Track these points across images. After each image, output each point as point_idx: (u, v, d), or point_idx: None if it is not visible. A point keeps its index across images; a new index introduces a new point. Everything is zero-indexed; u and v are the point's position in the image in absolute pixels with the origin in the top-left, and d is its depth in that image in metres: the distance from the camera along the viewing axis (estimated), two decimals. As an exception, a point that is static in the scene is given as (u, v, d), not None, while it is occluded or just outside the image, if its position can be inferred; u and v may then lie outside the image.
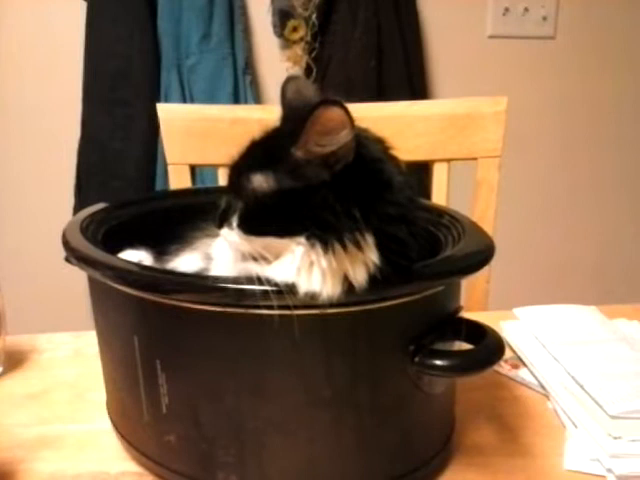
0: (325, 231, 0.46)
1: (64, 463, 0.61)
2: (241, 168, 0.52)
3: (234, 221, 0.51)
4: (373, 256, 0.47)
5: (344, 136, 0.46)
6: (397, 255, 0.48)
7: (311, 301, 0.46)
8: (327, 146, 0.46)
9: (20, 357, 0.82)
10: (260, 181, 0.48)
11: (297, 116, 0.51)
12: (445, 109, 1.13)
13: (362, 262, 0.46)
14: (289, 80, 0.57)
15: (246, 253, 0.50)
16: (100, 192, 1.68)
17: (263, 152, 0.51)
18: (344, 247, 0.46)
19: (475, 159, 1.12)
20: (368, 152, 0.50)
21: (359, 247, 0.46)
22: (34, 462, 0.62)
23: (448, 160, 1.11)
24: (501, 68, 2.04)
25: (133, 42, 1.74)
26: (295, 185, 0.47)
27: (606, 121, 2.18)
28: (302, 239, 0.47)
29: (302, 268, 0.47)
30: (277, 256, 0.48)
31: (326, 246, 0.46)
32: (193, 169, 1.13)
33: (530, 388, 0.76)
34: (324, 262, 0.46)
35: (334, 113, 0.45)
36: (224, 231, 0.52)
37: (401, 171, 0.52)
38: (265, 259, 0.48)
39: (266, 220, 0.49)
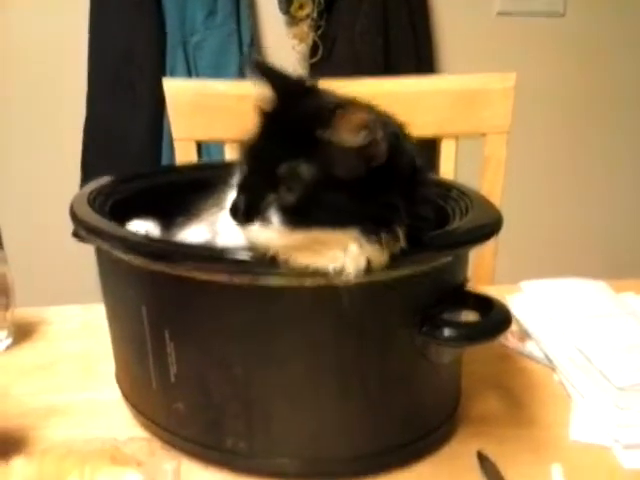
0: (378, 225, 0.46)
1: (74, 430, 0.62)
2: (273, 157, 0.48)
3: (273, 216, 0.47)
4: (404, 242, 0.48)
5: (367, 135, 0.46)
6: (418, 232, 0.49)
7: (334, 277, 0.47)
8: (354, 142, 0.46)
9: (29, 329, 0.83)
10: (305, 172, 0.46)
11: (310, 97, 0.51)
12: (453, 85, 1.12)
13: (397, 248, 0.48)
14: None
15: (275, 249, 0.48)
16: (106, 169, 1.67)
17: (292, 139, 0.48)
18: (395, 239, 0.47)
19: (483, 135, 1.11)
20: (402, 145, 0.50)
21: (399, 237, 0.47)
22: (45, 429, 0.62)
23: (456, 136, 1.10)
24: (510, 45, 2.02)
25: (138, 21, 1.73)
26: (336, 175, 0.47)
27: (615, 97, 2.16)
28: (355, 232, 0.46)
29: (350, 259, 0.47)
30: (321, 248, 0.47)
31: (379, 239, 0.46)
32: (199, 145, 1.13)
33: (536, 361, 0.76)
34: (371, 252, 0.47)
35: (360, 116, 0.45)
36: (254, 228, 0.48)
37: (419, 151, 0.52)
38: (305, 252, 0.47)
39: (313, 213, 0.46)
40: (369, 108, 0.46)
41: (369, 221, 0.46)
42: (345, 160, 0.47)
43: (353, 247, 0.46)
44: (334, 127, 0.46)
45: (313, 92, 0.53)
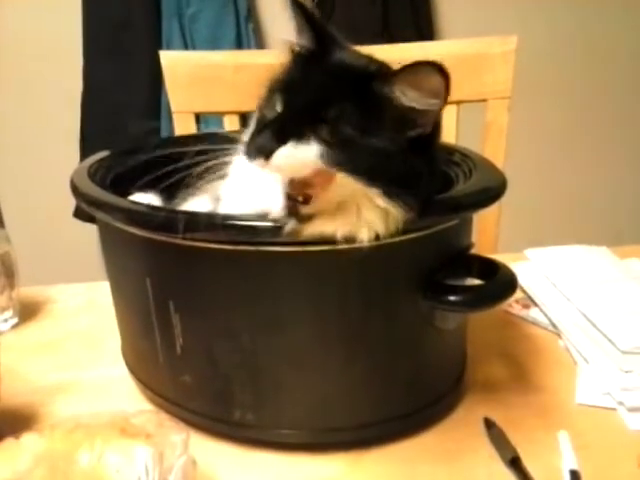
0: (400, 189, 0.46)
1: (82, 406, 0.63)
2: (318, 99, 0.46)
3: (312, 141, 0.45)
4: (416, 212, 0.47)
5: (432, 104, 0.45)
6: (426, 196, 0.49)
7: (345, 243, 0.46)
8: (413, 101, 0.45)
9: (34, 308, 0.83)
10: (355, 119, 0.45)
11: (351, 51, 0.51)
12: (453, 50, 1.11)
13: (409, 217, 0.47)
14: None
15: (305, 177, 0.46)
16: (105, 144, 1.66)
17: (344, 86, 0.47)
18: (410, 207, 0.46)
19: (484, 101, 1.09)
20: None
21: (414, 206, 0.47)
22: (54, 405, 0.63)
23: (457, 102, 1.08)
24: (510, 6, 1.98)
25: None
26: (381, 131, 0.46)
27: (619, 59, 2.13)
28: (379, 192, 0.46)
29: (363, 221, 0.46)
30: (339, 211, 0.46)
31: (398, 204, 0.46)
32: (198, 117, 1.12)
33: (541, 327, 0.76)
34: (386, 216, 0.46)
35: (438, 80, 0.44)
36: (287, 147, 0.45)
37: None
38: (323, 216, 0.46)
39: (346, 158, 0.45)
40: (447, 75, 0.44)
41: (394, 184, 0.46)
42: (396, 119, 0.46)
43: (369, 208, 0.46)
44: (401, 82, 0.45)
45: (348, 47, 0.52)
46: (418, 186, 0.47)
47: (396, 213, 0.46)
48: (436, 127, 0.49)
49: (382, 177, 0.46)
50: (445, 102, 0.46)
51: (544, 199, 2.18)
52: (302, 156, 0.45)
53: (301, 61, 0.51)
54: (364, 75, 0.47)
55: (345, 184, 0.45)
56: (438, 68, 0.43)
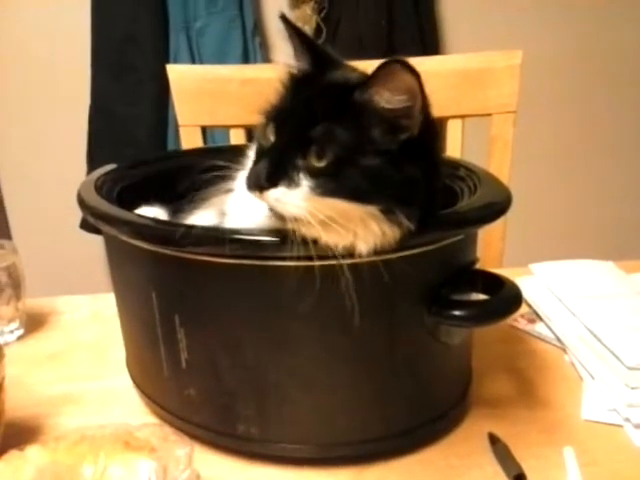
0: (398, 203, 0.46)
1: (88, 417, 0.63)
2: (305, 120, 0.47)
3: (302, 179, 0.46)
4: (415, 224, 0.47)
5: (409, 101, 0.46)
6: (429, 213, 0.49)
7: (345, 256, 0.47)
8: (390, 102, 0.46)
9: (40, 319, 0.84)
10: (341, 134, 0.45)
11: (342, 69, 0.51)
12: (458, 64, 1.11)
13: (408, 229, 0.47)
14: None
15: (299, 216, 0.46)
16: (112, 158, 1.67)
17: (327, 103, 0.47)
18: (409, 219, 0.47)
19: (489, 115, 1.10)
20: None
21: (413, 218, 0.47)
22: (59, 417, 0.63)
23: (462, 116, 1.09)
24: (515, 23, 1.99)
25: (140, 7, 1.71)
26: (369, 142, 0.46)
27: (624, 74, 2.13)
28: (376, 210, 0.46)
29: (363, 236, 0.46)
30: (337, 224, 0.46)
31: (396, 218, 0.46)
32: (204, 130, 1.13)
33: (547, 342, 0.76)
34: (385, 232, 0.46)
35: (408, 77, 0.44)
36: (278, 191, 0.46)
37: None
38: (324, 223, 0.45)
39: (340, 181, 0.45)
40: (415, 72, 0.44)
41: (391, 198, 0.46)
42: (379, 125, 0.46)
43: (368, 225, 0.46)
44: (374, 86, 0.45)
45: (344, 65, 0.53)
46: (415, 194, 0.47)
47: (395, 227, 0.46)
48: (427, 131, 0.49)
49: (377, 195, 0.46)
50: (423, 99, 0.46)
51: (549, 213, 2.18)
52: (292, 200, 0.46)
53: (294, 85, 0.51)
54: (346, 88, 0.47)
55: (340, 208, 0.46)
56: (403, 64, 0.44)
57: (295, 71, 0.52)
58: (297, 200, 0.46)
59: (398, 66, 0.44)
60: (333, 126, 0.46)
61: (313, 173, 0.46)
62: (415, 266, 0.49)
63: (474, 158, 0.73)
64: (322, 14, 1.80)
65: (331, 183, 0.45)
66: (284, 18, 0.50)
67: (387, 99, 0.46)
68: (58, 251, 2.00)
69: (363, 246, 0.46)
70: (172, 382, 0.58)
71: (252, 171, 0.48)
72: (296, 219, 0.46)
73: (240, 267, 0.49)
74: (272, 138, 0.49)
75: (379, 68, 0.45)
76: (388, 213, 0.46)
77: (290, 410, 0.54)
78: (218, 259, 0.49)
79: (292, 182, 0.46)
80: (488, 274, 0.57)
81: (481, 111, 1.10)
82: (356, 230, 0.46)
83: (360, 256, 0.46)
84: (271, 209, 0.48)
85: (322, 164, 0.46)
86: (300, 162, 0.46)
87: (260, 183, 0.46)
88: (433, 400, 0.59)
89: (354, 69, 0.53)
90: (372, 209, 0.46)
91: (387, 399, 0.55)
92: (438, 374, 0.58)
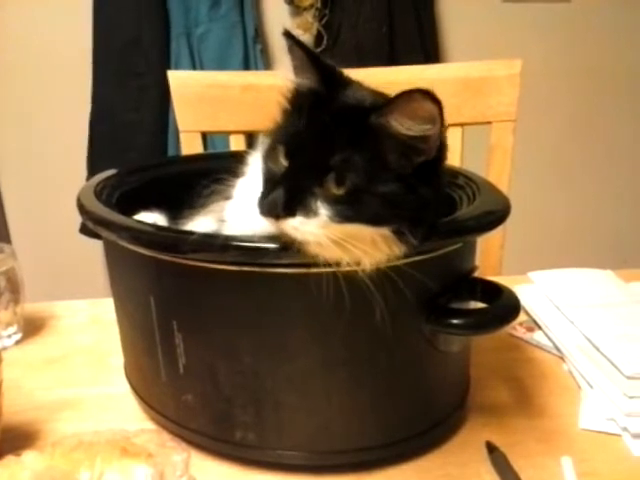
0: (412, 225, 0.46)
1: (85, 423, 0.63)
2: (321, 148, 0.46)
3: (320, 208, 0.45)
4: (420, 240, 0.48)
5: (429, 130, 0.46)
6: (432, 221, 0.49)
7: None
8: (409, 129, 0.45)
9: (38, 324, 0.83)
10: (359, 162, 0.45)
11: (352, 88, 0.50)
12: (459, 73, 1.12)
13: (413, 243, 0.47)
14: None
15: (316, 242, 0.46)
16: (112, 163, 1.67)
17: (343, 128, 0.46)
18: (415, 237, 0.47)
19: (489, 123, 1.10)
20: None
21: (419, 235, 0.47)
22: (56, 422, 0.63)
23: (462, 124, 1.09)
24: (515, 32, 2.00)
25: (142, 12, 1.72)
26: (384, 168, 0.46)
27: (621, 84, 2.14)
28: (387, 231, 0.46)
29: (371, 254, 0.46)
30: (352, 242, 0.46)
31: (405, 237, 0.46)
32: (204, 136, 1.13)
33: (545, 350, 0.76)
34: (394, 249, 0.47)
35: (430, 106, 0.44)
36: (296, 220, 0.46)
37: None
38: (336, 243, 0.45)
39: (356, 207, 0.45)
40: (437, 100, 0.44)
41: (404, 220, 0.46)
42: (396, 150, 0.46)
43: (377, 244, 0.46)
44: (393, 112, 0.45)
45: (351, 83, 0.52)
46: (426, 214, 0.48)
47: (402, 245, 0.47)
48: (440, 150, 0.49)
49: (391, 218, 0.46)
50: (442, 125, 0.46)
51: (549, 222, 2.18)
52: (310, 229, 0.45)
53: (303, 106, 0.49)
54: (361, 112, 0.47)
55: (354, 232, 0.46)
56: (427, 94, 0.43)
57: (300, 88, 0.51)
58: (315, 229, 0.45)
59: (420, 95, 0.43)
60: (351, 154, 0.45)
61: (331, 201, 0.45)
62: (414, 274, 0.49)
63: (473, 166, 0.73)
64: (323, 21, 1.82)
65: (349, 210, 0.45)
66: (288, 34, 0.49)
67: (407, 126, 0.45)
68: (57, 256, 2.00)
69: (368, 263, 0.46)
70: (169, 388, 0.58)
71: (266, 198, 0.47)
72: (314, 244, 0.46)
73: (238, 273, 0.49)
74: (284, 163, 0.48)
75: (400, 96, 0.44)
76: (398, 233, 0.46)
77: (288, 417, 0.54)
78: (217, 265, 0.49)
79: (310, 211, 0.46)
80: (486, 282, 0.57)
81: (481, 119, 1.10)
82: (365, 249, 0.46)
83: (363, 271, 0.46)
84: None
85: (340, 192, 0.45)
86: (317, 190, 0.46)
87: (277, 212, 0.46)
88: (431, 408, 0.59)
89: (362, 86, 0.52)
90: (384, 230, 0.46)
91: (385, 407, 0.55)
92: (436, 382, 0.58)
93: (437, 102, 0.44)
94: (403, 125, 0.45)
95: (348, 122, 0.46)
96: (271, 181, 0.48)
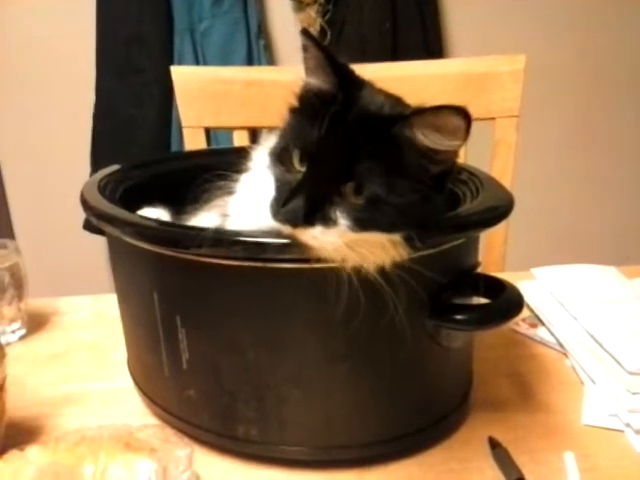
0: (422, 230, 0.46)
1: (88, 418, 0.63)
2: (342, 156, 0.46)
3: (339, 217, 0.45)
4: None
5: (453, 145, 0.46)
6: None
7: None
8: (434, 142, 0.45)
9: (42, 319, 0.84)
10: (380, 172, 0.45)
11: (368, 91, 0.50)
12: (462, 68, 1.11)
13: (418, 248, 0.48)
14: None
15: (335, 249, 0.46)
16: (115, 159, 1.68)
17: (364, 137, 0.45)
18: (422, 242, 0.47)
19: (493, 119, 1.10)
20: None
21: (426, 238, 0.48)
22: (60, 418, 0.63)
23: (465, 120, 1.09)
24: (518, 28, 1.99)
25: (145, 7, 1.72)
26: (404, 177, 0.46)
27: (627, 80, 2.13)
28: (398, 237, 0.46)
29: (380, 257, 0.46)
30: (365, 246, 0.46)
31: (414, 242, 0.46)
32: (208, 132, 1.13)
33: (548, 346, 0.76)
34: (402, 253, 0.47)
35: (460, 122, 0.44)
36: (316, 230, 0.45)
37: None
38: (353, 250, 0.46)
39: (375, 216, 0.46)
40: (468, 116, 0.43)
41: (415, 226, 0.46)
42: (418, 160, 0.46)
43: (386, 248, 0.46)
44: (421, 126, 0.45)
45: (365, 85, 0.51)
46: (436, 220, 0.48)
47: (409, 248, 0.47)
48: (455, 160, 0.50)
49: (405, 225, 0.46)
50: (465, 141, 0.46)
51: (552, 218, 2.18)
52: (329, 238, 0.45)
53: (317, 109, 0.47)
54: (383, 120, 0.46)
55: (368, 238, 0.46)
56: (460, 111, 0.43)
57: (310, 88, 0.50)
58: (333, 238, 0.45)
59: (453, 111, 0.43)
60: (373, 163, 0.45)
61: (349, 210, 0.45)
62: (416, 270, 0.49)
63: (477, 162, 0.73)
64: (326, 17, 1.81)
65: (367, 219, 0.45)
66: (307, 33, 0.48)
67: (433, 139, 0.45)
68: (61, 251, 2.01)
69: (373, 265, 0.47)
70: (173, 383, 0.58)
71: (282, 204, 0.46)
72: (331, 250, 0.46)
73: (241, 268, 0.49)
74: (300, 167, 0.47)
75: (431, 110, 0.44)
76: (408, 239, 0.46)
77: (290, 412, 0.54)
78: (220, 260, 0.49)
79: (329, 220, 0.45)
80: (489, 278, 0.57)
81: (484, 115, 1.10)
82: (374, 251, 0.46)
83: (368, 271, 0.47)
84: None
85: (360, 201, 0.45)
86: (337, 199, 0.46)
87: (294, 219, 0.45)
88: (433, 403, 0.59)
89: (375, 89, 0.51)
90: (396, 236, 0.46)
91: (387, 402, 0.55)
92: (439, 378, 0.58)
93: (467, 118, 0.44)
94: (429, 137, 0.45)
95: (370, 130, 0.46)
96: (286, 186, 0.47)
